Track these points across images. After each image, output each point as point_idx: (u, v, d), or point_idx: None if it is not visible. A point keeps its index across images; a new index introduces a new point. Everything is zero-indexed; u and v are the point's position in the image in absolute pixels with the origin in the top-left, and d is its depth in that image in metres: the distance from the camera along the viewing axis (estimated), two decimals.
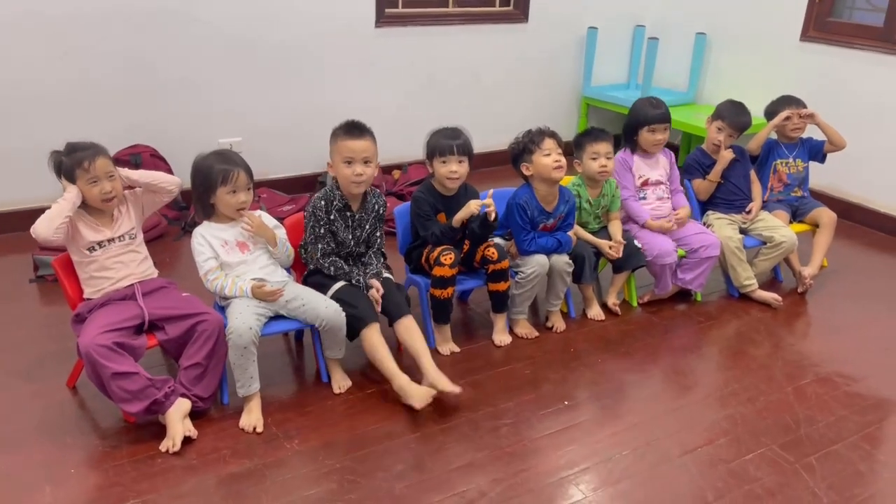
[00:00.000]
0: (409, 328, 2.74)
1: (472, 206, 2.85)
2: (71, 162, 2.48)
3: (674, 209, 3.49)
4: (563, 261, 3.11)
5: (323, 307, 2.63)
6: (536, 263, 3.04)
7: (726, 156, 3.53)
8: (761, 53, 4.95)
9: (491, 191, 2.95)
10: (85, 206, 2.54)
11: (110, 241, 2.56)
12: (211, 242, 2.62)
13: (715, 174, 3.57)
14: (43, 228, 2.42)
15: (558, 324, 3.23)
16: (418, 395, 2.56)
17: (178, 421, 2.39)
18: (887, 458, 2.51)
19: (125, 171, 2.61)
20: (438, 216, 2.98)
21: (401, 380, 2.61)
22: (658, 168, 3.51)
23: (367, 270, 2.81)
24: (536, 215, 3.07)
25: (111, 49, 3.92)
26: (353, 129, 2.71)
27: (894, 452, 2.55)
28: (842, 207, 4.37)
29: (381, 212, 2.88)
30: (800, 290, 3.64)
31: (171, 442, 2.36)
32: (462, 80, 5.05)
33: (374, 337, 2.67)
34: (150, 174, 2.68)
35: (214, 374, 2.54)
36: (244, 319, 2.50)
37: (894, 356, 3.13)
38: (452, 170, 2.90)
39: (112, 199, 2.54)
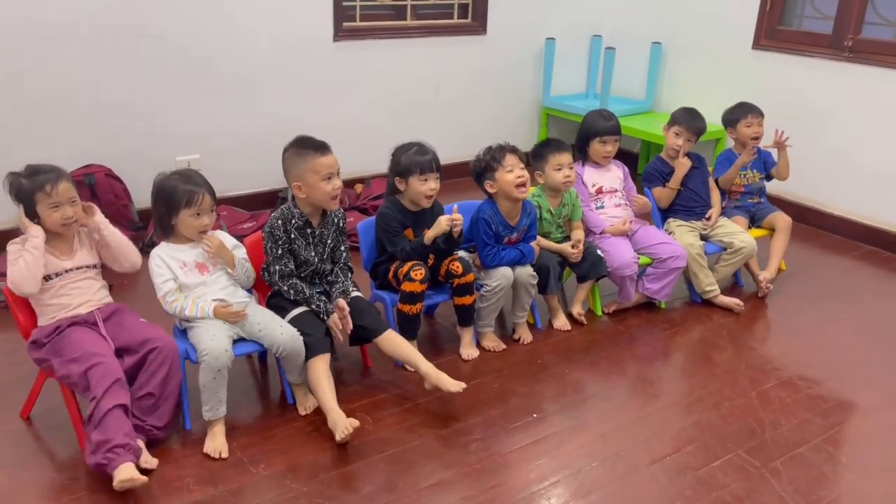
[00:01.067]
0: (393, 341, 2.72)
1: (443, 224, 2.84)
2: (32, 185, 2.38)
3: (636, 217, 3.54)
4: (527, 273, 3.11)
5: (279, 332, 2.57)
6: (501, 276, 3.04)
7: (684, 163, 3.58)
8: (715, 62, 5.04)
9: (455, 206, 2.94)
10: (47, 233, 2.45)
11: (68, 271, 2.48)
12: (169, 264, 2.56)
13: (675, 181, 3.61)
14: (28, 286, 2.37)
15: (525, 336, 3.23)
16: (340, 426, 2.45)
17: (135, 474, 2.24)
18: (850, 459, 2.56)
19: (99, 217, 2.52)
20: (405, 232, 2.96)
21: (335, 414, 2.51)
22: (610, 176, 3.55)
23: (334, 289, 2.77)
24: (501, 230, 3.07)
25: (60, 68, 3.82)
26: (319, 145, 2.68)
27: (857, 454, 2.59)
28: (797, 211, 4.46)
29: (341, 225, 2.84)
30: (759, 294, 3.69)
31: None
32: (422, 92, 5.05)
33: (318, 368, 2.60)
34: (119, 238, 2.57)
35: (170, 402, 2.46)
36: (220, 342, 2.45)
37: (853, 357, 3.19)
38: (432, 187, 2.90)
39: (72, 225, 2.46)
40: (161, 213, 2.58)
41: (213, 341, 2.44)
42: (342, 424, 2.46)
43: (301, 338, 2.59)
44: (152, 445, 2.41)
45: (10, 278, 2.36)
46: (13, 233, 3.81)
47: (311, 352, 2.61)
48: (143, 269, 2.65)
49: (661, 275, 3.43)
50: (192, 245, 2.61)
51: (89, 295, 2.52)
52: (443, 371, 2.93)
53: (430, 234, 2.88)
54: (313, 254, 2.75)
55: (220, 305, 2.55)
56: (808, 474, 2.46)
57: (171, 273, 2.56)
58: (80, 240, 2.54)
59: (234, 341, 2.58)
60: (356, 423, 2.47)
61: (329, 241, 2.80)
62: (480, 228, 3.05)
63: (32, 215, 2.42)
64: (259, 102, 4.43)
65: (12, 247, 2.42)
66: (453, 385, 2.62)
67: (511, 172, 3.01)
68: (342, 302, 2.72)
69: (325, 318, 2.68)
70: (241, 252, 2.71)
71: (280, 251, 2.69)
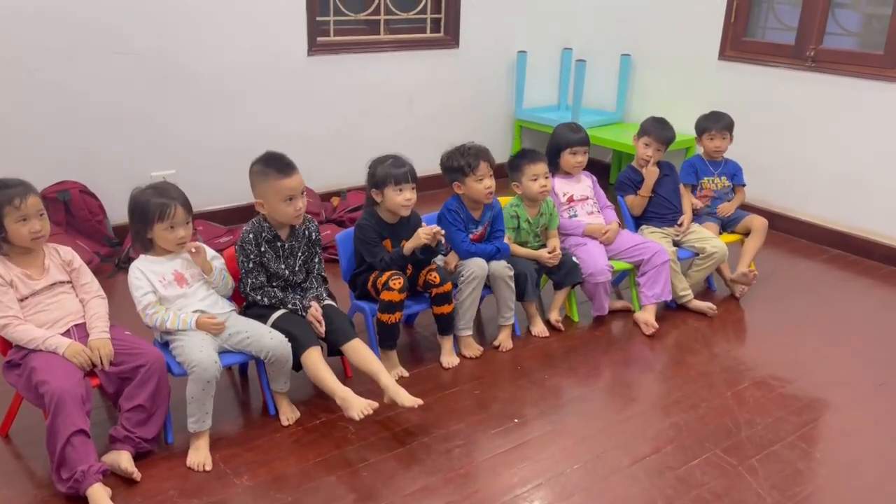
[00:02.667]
0: (358, 349, 2.72)
1: (422, 237, 2.87)
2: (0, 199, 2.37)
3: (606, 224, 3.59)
4: (502, 266, 3.16)
5: (268, 338, 2.59)
6: (475, 265, 3.08)
7: (652, 172, 3.66)
8: (683, 73, 5.16)
9: (430, 225, 2.98)
10: (14, 252, 2.43)
11: (42, 290, 2.46)
12: (149, 277, 2.56)
13: (646, 189, 3.69)
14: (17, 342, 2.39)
15: (505, 342, 3.25)
16: (357, 407, 2.51)
17: (104, 499, 2.23)
18: (823, 455, 2.62)
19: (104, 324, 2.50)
20: (384, 243, 2.99)
21: (342, 392, 2.56)
22: (580, 185, 3.63)
23: (307, 295, 2.79)
24: (467, 222, 3.15)
25: (34, 84, 3.81)
26: (285, 165, 2.69)
27: (830, 450, 2.66)
28: (766, 217, 4.48)
29: (314, 237, 2.86)
30: (738, 293, 3.77)
31: None
32: (396, 105, 5.09)
33: (314, 358, 2.63)
34: (104, 316, 2.54)
35: (159, 415, 2.46)
36: (209, 353, 2.45)
37: (823, 357, 3.28)
38: (408, 197, 2.93)
39: (40, 238, 2.44)
40: (137, 228, 2.58)
41: (203, 352, 2.44)
42: (358, 406, 2.49)
43: (289, 343, 2.60)
44: (137, 458, 2.40)
45: (8, 333, 2.37)
46: None
47: (301, 346, 2.62)
48: (121, 282, 2.64)
49: (654, 275, 3.46)
50: (171, 257, 2.61)
51: (66, 310, 2.49)
52: (424, 380, 2.97)
53: (409, 246, 2.92)
54: (283, 266, 2.77)
55: (203, 316, 2.55)
56: (783, 471, 2.52)
57: (150, 286, 2.56)
58: (50, 257, 2.52)
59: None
60: (375, 404, 2.52)
61: (300, 255, 2.81)
62: (448, 217, 3.12)
63: None
64: (234, 117, 4.44)
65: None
66: (410, 401, 2.59)
67: (481, 182, 3.09)
68: (315, 304, 2.74)
69: (304, 314, 2.72)
70: (219, 263, 2.72)
71: (251, 265, 2.72)
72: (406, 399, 2.60)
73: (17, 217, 2.37)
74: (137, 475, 2.35)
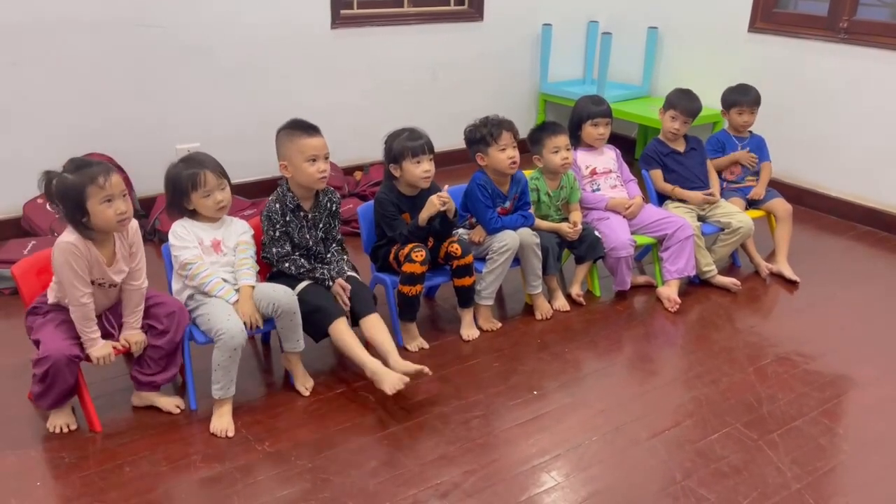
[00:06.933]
0: (375, 325, 2.75)
1: (436, 203, 2.87)
2: (82, 179, 2.21)
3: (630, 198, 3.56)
4: (529, 234, 3.15)
5: (271, 291, 2.60)
6: (508, 237, 3.07)
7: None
8: (711, 46, 5.06)
9: (446, 186, 2.97)
10: (90, 234, 2.32)
11: (112, 286, 2.43)
12: (191, 234, 2.60)
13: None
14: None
15: (543, 308, 3.27)
16: (389, 381, 2.54)
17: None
18: (846, 431, 2.59)
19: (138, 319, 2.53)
20: (402, 216, 2.99)
21: (373, 365, 2.60)
22: (603, 158, 3.59)
23: (331, 269, 2.81)
24: (494, 197, 3.13)
25: (61, 58, 3.84)
26: (309, 127, 2.74)
27: (853, 426, 2.63)
28: (794, 193, 4.49)
29: (334, 209, 2.88)
30: (763, 275, 3.70)
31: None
32: (419, 79, 5.07)
33: (341, 330, 2.66)
34: (141, 309, 2.53)
35: (176, 358, 2.58)
36: (236, 321, 2.49)
37: (849, 334, 3.23)
38: (426, 169, 2.93)
39: (126, 221, 2.32)
40: (175, 200, 2.61)
41: (230, 321, 2.48)
42: (390, 381, 2.53)
43: (294, 295, 2.63)
44: (161, 428, 2.48)
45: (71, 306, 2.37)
46: (14, 223, 3.86)
47: (328, 317, 2.66)
48: (146, 252, 2.67)
49: (678, 250, 3.43)
50: (216, 225, 2.65)
51: (109, 300, 2.51)
52: (444, 352, 2.98)
53: (423, 215, 2.91)
54: (308, 236, 2.79)
55: (243, 305, 2.57)
56: (804, 446, 2.50)
57: (194, 241, 2.58)
58: (121, 240, 2.41)
59: None
60: (407, 378, 2.55)
61: (321, 226, 2.84)
62: (478, 193, 3.10)
63: (80, 214, 2.26)
64: (258, 90, 4.45)
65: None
66: (417, 367, 2.63)
67: (504, 152, 3.08)
68: (341, 280, 2.76)
69: (330, 284, 2.74)
70: (247, 236, 2.73)
71: (277, 234, 2.74)
72: (413, 368, 2.63)
73: (102, 197, 2.23)
74: (181, 402, 2.54)
